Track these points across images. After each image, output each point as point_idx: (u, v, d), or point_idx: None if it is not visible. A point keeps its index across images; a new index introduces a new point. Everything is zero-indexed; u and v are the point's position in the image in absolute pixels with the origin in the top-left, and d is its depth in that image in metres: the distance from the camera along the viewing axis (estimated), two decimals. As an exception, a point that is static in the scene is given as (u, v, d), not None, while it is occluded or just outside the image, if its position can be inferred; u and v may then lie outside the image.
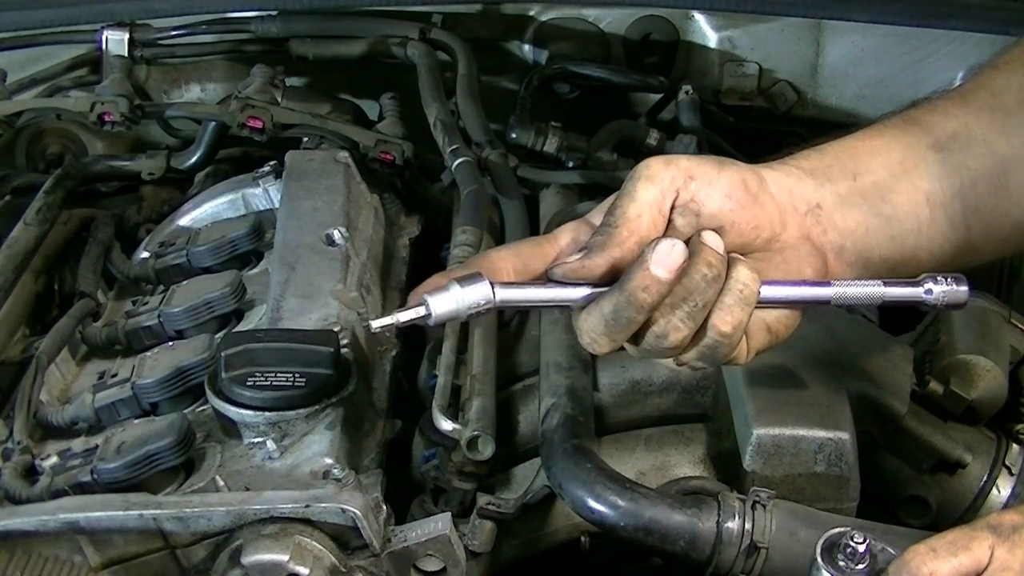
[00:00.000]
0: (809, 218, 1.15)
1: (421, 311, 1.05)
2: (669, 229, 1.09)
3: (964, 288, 1.11)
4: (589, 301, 1.07)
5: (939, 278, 1.11)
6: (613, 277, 1.06)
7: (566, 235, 1.13)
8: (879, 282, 1.11)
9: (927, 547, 1.05)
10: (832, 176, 1.17)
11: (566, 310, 1.11)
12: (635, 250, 1.06)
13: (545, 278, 1.10)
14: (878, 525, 1.19)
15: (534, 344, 1.54)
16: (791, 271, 1.13)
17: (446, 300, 1.04)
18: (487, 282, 1.05)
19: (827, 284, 1.11)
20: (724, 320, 1.06)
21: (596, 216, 1.12)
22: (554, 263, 1.09)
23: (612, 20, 2.20)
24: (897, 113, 1.25)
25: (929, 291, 1.10)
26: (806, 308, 1.13)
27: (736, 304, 1.06)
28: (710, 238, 1.06)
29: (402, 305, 1.08)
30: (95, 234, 1.74)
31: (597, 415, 1.40)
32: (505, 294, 1.06)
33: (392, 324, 1.06)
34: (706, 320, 1.05)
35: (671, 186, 1.09)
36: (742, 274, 1.06)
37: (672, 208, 1.09)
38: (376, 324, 1.07)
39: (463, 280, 1.05)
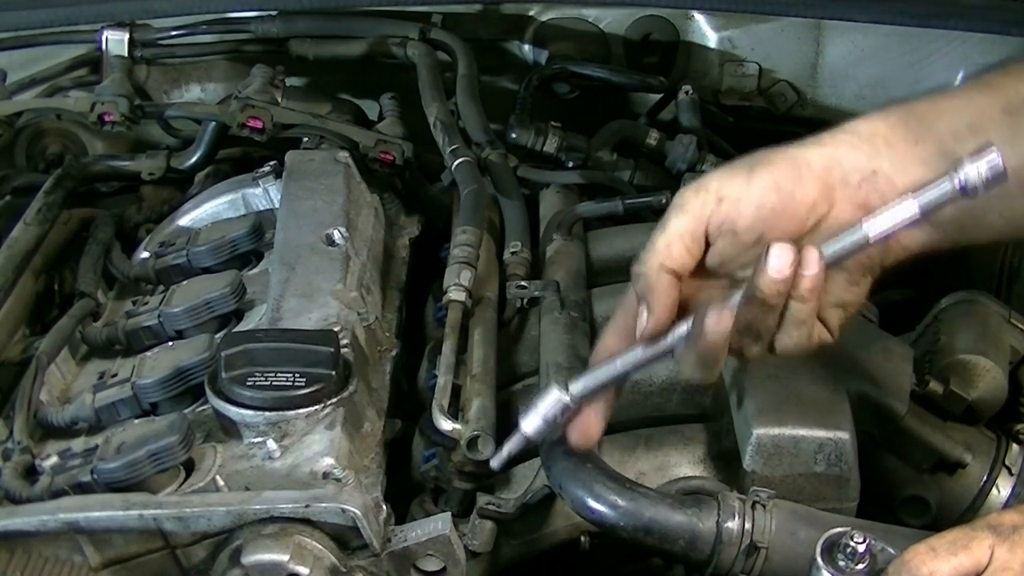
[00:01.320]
0: (864, 187, 1.12)
1: (521, 438, 1.18)
2: (709, 251, 1.12)
3: (994, 154, 1.02)
4: (662, 352, 1.12)
5: (964, 159, 1.03)
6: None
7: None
8: (908, 195, 1.06)
9: (927, 547, 1.05)
10: (892, 140, 1.14)
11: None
12: (672, 281, 1.11)
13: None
14: (878, 525, 1.19)
15: (534, 344, 1.54)
16: None
17: (533, 419, 1.17)
18: (555, 387, 1.16)
19: (856, 226, 1.07)
20: (785, 347, 1.12)
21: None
22: (631, 344, 1.14)
23: (612, 20, 2.21)
24: (973, 76, 1.22)
25: (964, 178, 1.03)
26: (854, 256, 1.09)
27: (800, 335, 1.11)
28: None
29: (402, 306, 1.10)
30: (95, 234, 1.74)
31: (597, 415, 1.40)
32: (578, 388, 1.16)
33: (507, 455, 1.22)
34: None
35: (702, 212, 1.11)
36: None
37: (707, 232, 1.12)
38: (496, 464, 1.24)
39: (538, 396, 1.17)
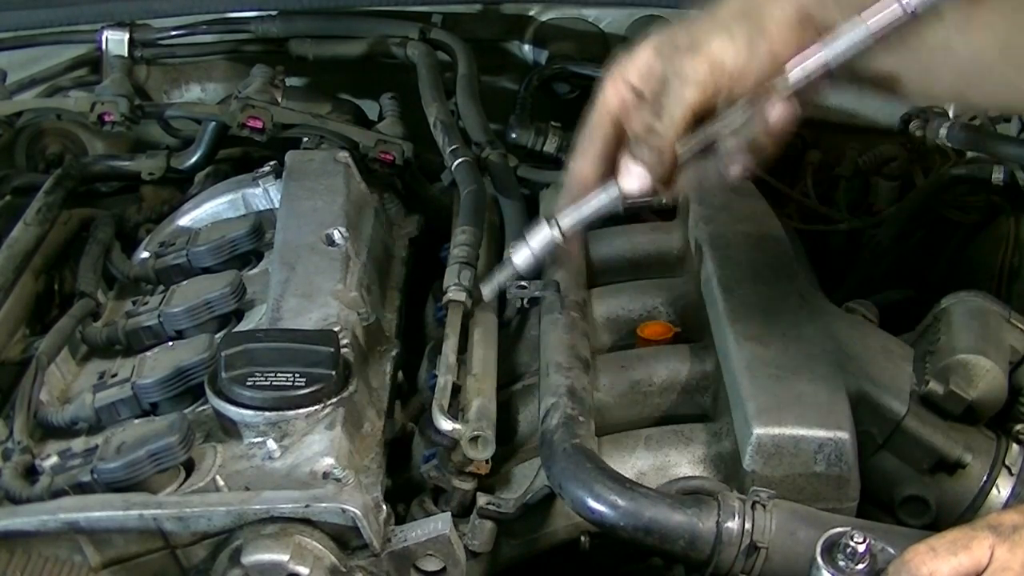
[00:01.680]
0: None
1: (511, 268, 1.24)
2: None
3: None
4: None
5: None
6: None
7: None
8: (859, 19, 1.09)
9: (927, 547, 1.05)
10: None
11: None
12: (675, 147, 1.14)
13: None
14: (878, 525, 1.19)
15: (534, 344, 1.54)
16: None
17: (523, 252, 1.22)
18: (545, 224, 1.21)
19: (817, 51, 1.11)
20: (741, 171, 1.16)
21: (636, 79, 1.17)
22: (625, 190, 1.17)
23: (612, 20, 2.20)
24: None
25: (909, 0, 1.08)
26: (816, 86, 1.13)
27: (754, 161, 1.15)
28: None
29: (402, 306, 1.10)
30: (95, 234, 1.74)
31: (597, 415, 1.40)
32: (568, 223, 1.20)
33: (497, 286, 1.31)
34: None
35: (712, 86, 1.13)
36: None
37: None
38: (487, 294, 1.33)
39: (529, 230, 1.22)
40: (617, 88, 1.18)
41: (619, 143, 1.18)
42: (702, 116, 1.14)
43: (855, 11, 1.12)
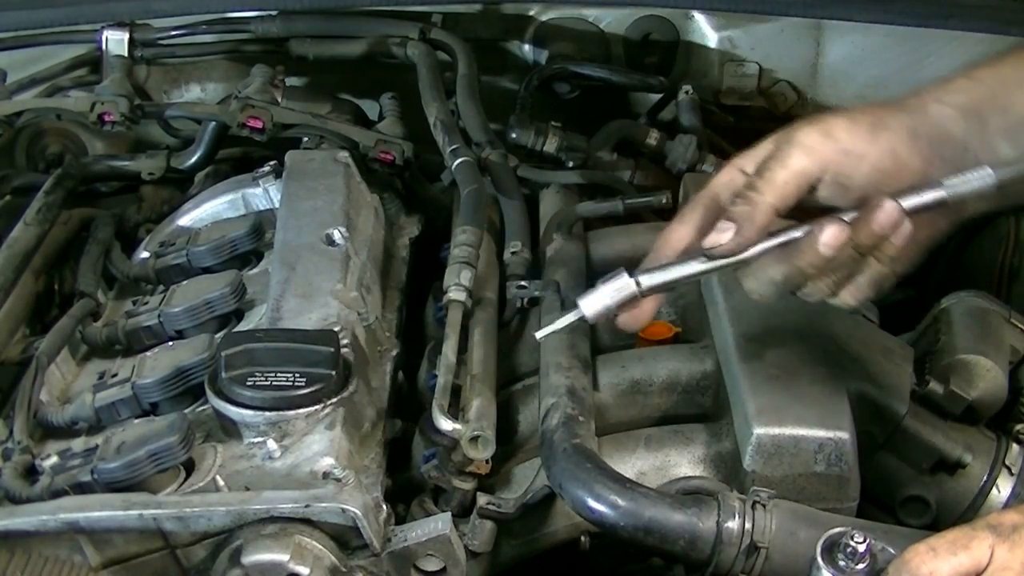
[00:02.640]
0: (955, 162, 1.15)
1: (577, 314, 1.19)
2: (810, 194, 1.15)
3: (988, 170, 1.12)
4: (739, 263, 1.16)
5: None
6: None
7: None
8: (986, 168, 1.12)
9: (927, 547, 1.05)
10: (983, 113, 1.17)
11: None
12: (775, 216, 1.13)
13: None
14: (878, 525, 1.19)
15: (534, 344, 1.54)
16: None
17: (595, 301, 1.18)
18: (625, 275, 1.17)
19: (936, 186, 1.12)
20: (853, 295, 1.15)
21: (749, 164, 1.18)
22: (708, 245, 1.15)
23: (612, 20, 2.21)
24: None
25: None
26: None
27: (867, 284, 1.14)
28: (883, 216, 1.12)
29: (402, 306, 1.10)
30: (95, 234, 1.74)
31: (597, 415, 1.40)
32: (650, 280, 1.17)
33: (554, 331, 1.22)
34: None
35: (824, 158, 1.13)
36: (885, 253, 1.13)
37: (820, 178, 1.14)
38: (540, 334, 1.25)
39: (606, 279, 1.18)
40: (730, 171, 1.20)
41: (718, 218, 1.17)
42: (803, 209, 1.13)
43: (980, 137, 1.15)
